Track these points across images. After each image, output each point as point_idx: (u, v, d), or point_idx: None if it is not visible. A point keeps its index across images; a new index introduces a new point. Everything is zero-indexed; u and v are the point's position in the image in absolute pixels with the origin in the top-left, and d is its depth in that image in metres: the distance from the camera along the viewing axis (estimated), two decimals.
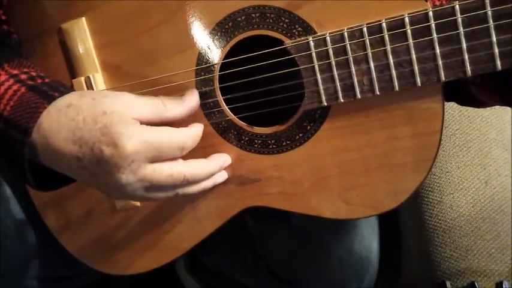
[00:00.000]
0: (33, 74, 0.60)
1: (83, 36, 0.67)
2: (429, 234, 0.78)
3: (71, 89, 0.59)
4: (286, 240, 0.82)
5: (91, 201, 0.74)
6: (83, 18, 0.67)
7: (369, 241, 0.82)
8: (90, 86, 0.68)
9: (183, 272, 0.97)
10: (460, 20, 0.50)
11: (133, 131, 0.53)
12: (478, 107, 0.67)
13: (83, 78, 0.68)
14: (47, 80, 0.59)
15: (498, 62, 0.50)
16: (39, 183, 0.61)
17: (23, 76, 0.59)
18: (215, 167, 0.62)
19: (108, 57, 0.67)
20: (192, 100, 0.60)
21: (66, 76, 0.69)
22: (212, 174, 0.62)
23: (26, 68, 0.61)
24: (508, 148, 0.80)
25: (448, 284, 0.57)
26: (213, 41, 0.61)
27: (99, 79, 0.68)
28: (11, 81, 0.58)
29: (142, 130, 0.54)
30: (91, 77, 0.67)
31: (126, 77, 0.67)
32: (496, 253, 0.72)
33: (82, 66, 0.68)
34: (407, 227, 0.83)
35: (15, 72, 0.60)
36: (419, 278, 0.79)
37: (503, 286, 0.53)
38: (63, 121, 0.54)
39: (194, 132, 0.59)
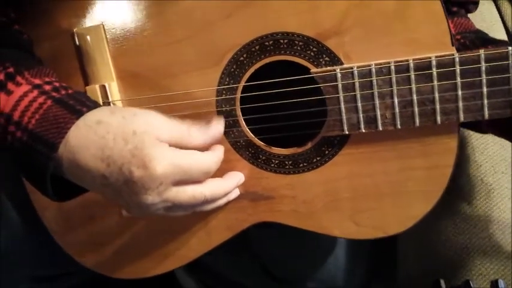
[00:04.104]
0: (57, 84, 0.59)
1: (100, 43, 0.66)
2: (424, 233, 0.79)
3: (96, 102, 0.58)
4: (281, 239, 0.85)
5: (95, 206, 0.73)
6: (101, 25, 0.66)
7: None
8: (104, 95, 0.67)
9: (180, 270, 0.98)
10: (483, 67, 0.54)
11: (163, 154, 0.54)
12: (478, 132, 0.71)
13: (97, 86, 0.67)
14: (70, 92, 0.58)
15: None
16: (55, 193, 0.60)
17: (47, 87, 0.58)
18: (232, 186, 0.64)
19: (125, 67, 0.67)
20: (217, 130, 0.60)
21: (79, 82, 0.68)
22: (228, 193, 0.63)
23: (47, 77, 0.60)
24: (504, 145, 0.80)
25: (442, 282, 0.57)
26: (238, 62, 0.62)
27: (114, 88, 0.67)
28: (35, 92, 0.57)
29: (172, 154, 0.55)
30: (106, 85, 0.67)
31: (143, 88, 0.67)
32: (491, 251, 0.72)
33: (97, 74, 0.67)
34: None
35: (37, 82, 0.58)
36: (415, 277, 0.81)
37: (499, 285, 0.54)
38: (92, 138, 0.54)
39: (218, 157, 0.60)
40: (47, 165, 0.55)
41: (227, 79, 0.63)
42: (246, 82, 0.63)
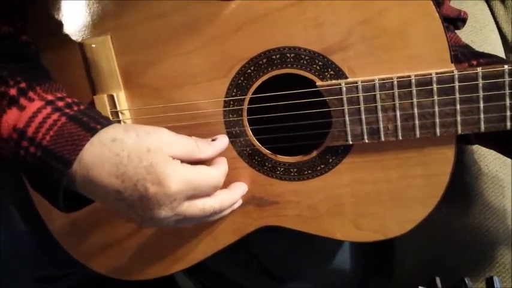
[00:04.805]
0: (69, 100, 0.60)
1: (107, 54, 0.67)
2: (420, 231, 0.80)
3: (109, 119, 0.60)
4: (279, 239, 0.88)
5: (101, 211, 0.75)
6: (109, 36, 0.67)
7: None
8: (112, 105, 0.68)
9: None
10: (481, 84, 0.57)
11: (176, 171, 0.56)
12: (464, 144, 0.75)
13: (105, 96, 0.68)
14: (82, 108, 0.60)
15: (508, 123, 0.58)
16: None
17: (60, 103, 0.59)
18: (237, 196, 0.67)
19: (133, 77, 0.68)
20: (222, 144, 0.64)
21: (86, 91, 0.69)
22: (234, 203, 0.67)
23: (59, 93, 0.61)
24: None
25: (437, 280, 0.59)
26: (246, 74, 0.64)
27: (122, 98, 0.69)
28: (49, 109, 0.58)
29: (185, 170, 0.57)
30: (114, 95, 0.68)
31: (151, 98, 0.68)
32: (486, 249, 0.74)
33: (105, 84, 0.69)
34: None
35: (50, 98, 0.59)
36: (411, 275, 0.83)
37: (494, 282, 0.55)
38: (107, 155, 0.56)
39: (224, 170, 0.63)
40: (61, 180, 0.56)
41: (235, 90, 0.65)
42: (253, 94, 0.65)
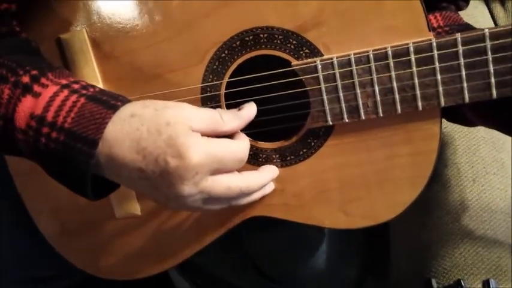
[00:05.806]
0: (83, 83, 0.58)
1: (83, 47, 0.67)
2: (416, 233, 0.79)
3: (127, 97, 0.58)
4: (274, 239, 0.85)
5: (89, 210, 0.74)
6: (84, 30, 0.67)
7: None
8: None
9: (174, 272, 0.99)
10: (461, 51, 0.54)
11: (198, 142, 0.53)
12: (467, 126, 0.72)
13: None
14: (97, 89, 0.58)
15: (494, 91, 0.54)
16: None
17: (76, 86, 0.57)
18: (266, 178, 0.63)
19: (110, 69, 0.67)
20: (250, 113, 0.60)
21: None
22: (263, 186, 0.63)
23: (70, 77, 0.59)
24: (496, 146, 0.80)
25: (433, 282, 0.57)
26: (220, 58, 0.63)
27: None
28: (66, 92, 0.56)
29: (207, 142, 0.54)
30: None
31: (129, 89, 0.67)
32: (482, 251, 0.72)
33: (82, 78, 0.67)
34: (396, 226, 0.86)
35: (64, 82, 0.57)
36: (408, 276, 0.81)
37: (490, 284, 0.54)
38: (128, 131, 0.53)
39: (248, 144, 0.59)
40: (88, 163, 0.54)
41: (211, 76, 0.64)
42: (229, 78, 0.63)
